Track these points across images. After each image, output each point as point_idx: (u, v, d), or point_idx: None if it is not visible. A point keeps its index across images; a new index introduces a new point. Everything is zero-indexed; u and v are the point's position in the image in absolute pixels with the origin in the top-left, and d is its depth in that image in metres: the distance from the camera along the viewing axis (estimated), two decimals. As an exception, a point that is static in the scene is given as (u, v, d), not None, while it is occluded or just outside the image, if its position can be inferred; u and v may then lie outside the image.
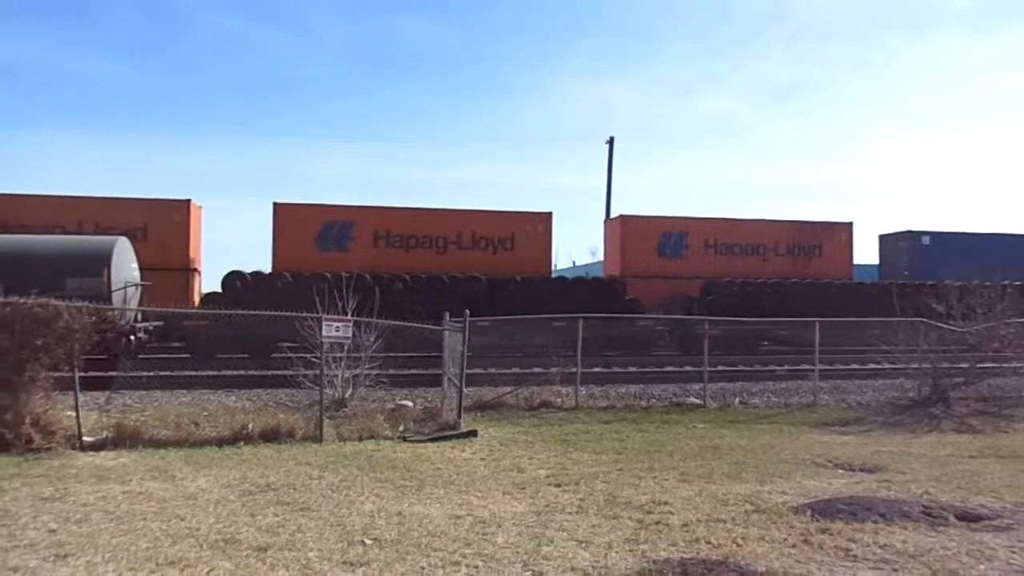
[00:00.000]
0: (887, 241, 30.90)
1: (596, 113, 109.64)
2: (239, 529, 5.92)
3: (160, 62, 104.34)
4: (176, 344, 22.26)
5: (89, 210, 24.56)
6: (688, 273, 26.72)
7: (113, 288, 19.46)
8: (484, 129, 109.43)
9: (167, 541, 5.51)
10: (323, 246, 24.92)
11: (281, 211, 24.84)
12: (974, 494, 7.79)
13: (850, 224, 29.35)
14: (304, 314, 13.15)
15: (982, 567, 5.34)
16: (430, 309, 18.24)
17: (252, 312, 15.12)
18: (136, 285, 21.32)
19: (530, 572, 5.02)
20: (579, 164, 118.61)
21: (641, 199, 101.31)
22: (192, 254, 25.54)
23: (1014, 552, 5.69)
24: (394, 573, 4.95)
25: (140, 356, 19.12)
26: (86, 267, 19.10)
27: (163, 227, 24.60)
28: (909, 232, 30.12)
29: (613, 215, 29.85)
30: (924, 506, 7.18)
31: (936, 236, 29.95)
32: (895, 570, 5.24)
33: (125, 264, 20.87)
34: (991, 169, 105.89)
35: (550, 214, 26.53)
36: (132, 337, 18.83)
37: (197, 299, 25.09)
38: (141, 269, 22.96)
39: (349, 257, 24.45)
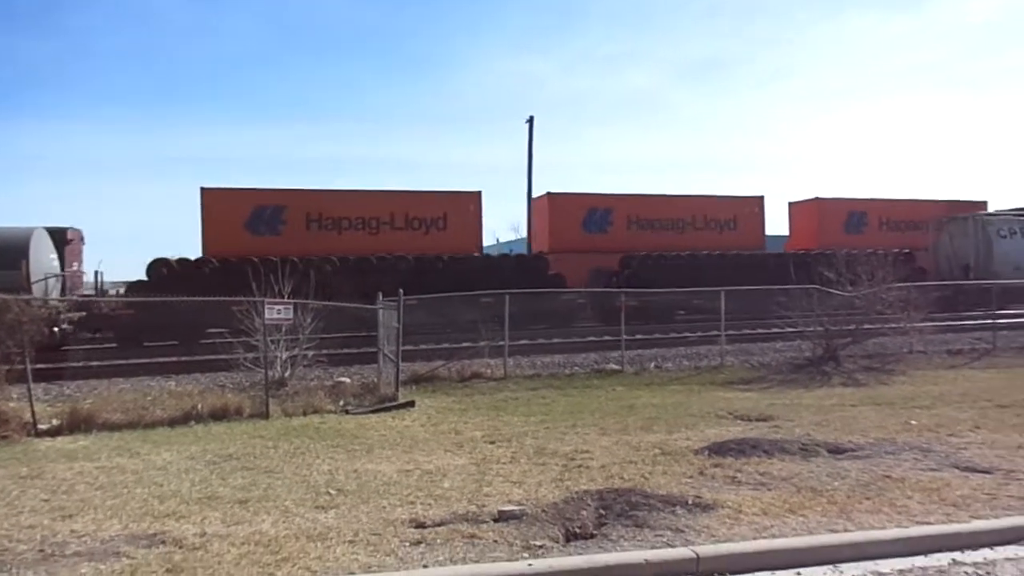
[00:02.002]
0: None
1: (522, 88, 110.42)
2: (216, 489, 6.73)
3: (53, 32, 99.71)
4: (97, 335, 22.10)
5: (398, 203, 26.33)
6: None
7: (33, 280, 19.43)
8: (408, 105, 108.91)
9: (155, 501, 6.30)
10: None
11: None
12: (846, 434, 9.15)
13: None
14: (245, 298, 13.77)
15: (836, 483, 6.63)
16: (359, 289, 18.91)
17: (192, 299, 15.64)
18: (56, 276, 21.26)
19: (474, 506, 6.02)
20: (503, 140, 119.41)
21: (567, 174, 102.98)
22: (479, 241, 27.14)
23: (864, 472, 7.02)
24: (360, 512, 5.88)
25: (64, 348, 19.23)
26: (2, 260, 19.01)
27: (460, 216, 26.42)
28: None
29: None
30: (802, 444, 8.49)
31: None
32: (769, 489, 6.47)
33: (43, 256, 20.77)
34: (886, 139, 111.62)
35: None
36: (56, 328, 18.84)
37: None
38: (441, 256, 24.68)
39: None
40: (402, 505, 6.08)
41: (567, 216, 28.48)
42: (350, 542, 5.10)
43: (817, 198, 32.15)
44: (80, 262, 23.97)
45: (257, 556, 4.82)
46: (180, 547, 5.00)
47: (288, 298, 13.83)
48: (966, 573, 4.81)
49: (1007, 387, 13.23)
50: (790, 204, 33.55)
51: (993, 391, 12.70)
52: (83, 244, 24.29)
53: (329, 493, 6.53)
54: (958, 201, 33.26)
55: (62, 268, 21.29)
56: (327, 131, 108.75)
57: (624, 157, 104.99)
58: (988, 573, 4.81)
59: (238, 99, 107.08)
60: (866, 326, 17.50)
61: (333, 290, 19.48)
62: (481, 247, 27.72)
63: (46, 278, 20.24)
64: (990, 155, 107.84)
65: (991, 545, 5.29)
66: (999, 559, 5.05)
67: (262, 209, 25.07)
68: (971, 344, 19.06)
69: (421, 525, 5.52)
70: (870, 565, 4.91)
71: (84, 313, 20.55)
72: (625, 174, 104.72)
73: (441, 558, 4.81)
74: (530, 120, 36.59)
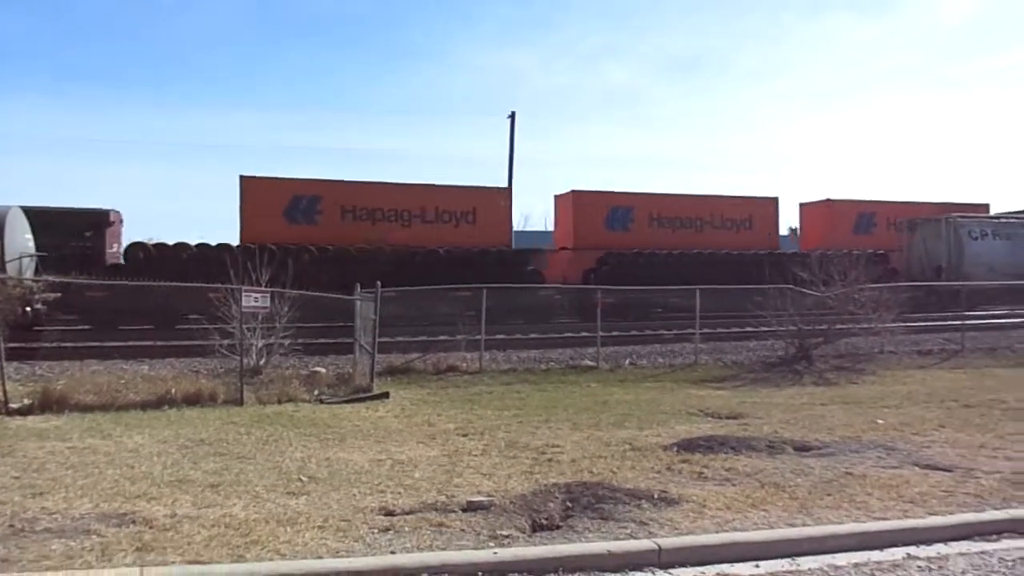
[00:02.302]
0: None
1: (505, 82, 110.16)
2: (187, 473, 6.77)
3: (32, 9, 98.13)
4: (72, 316, 21.94)
5: (430, 196, 26.80)
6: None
7: (7, 259, 19.26)
8: (388, 96, 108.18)
9: (126, 482, 6.32)
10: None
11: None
12: (813, 432, 9.34)
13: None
14: (222, 285, 13.74)
15: (799, 480, 6.79)
16: (337, 280, 18.91)
17: (168, 284, 15.59)
18: (31, 256, 21.08)
19: (444, 496, 6.10)
20: (485, 132, 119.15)
21: (549, 170, 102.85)
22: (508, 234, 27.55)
23: (827, 469, 7.20)
24: (331, 499, 5.95)
25: (36, 328, 19.07)
26: (-26, 239, 18.82)
27: (489, 211, 27.08)
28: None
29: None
30: (769, 441, 8.66)
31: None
32: (733, 484, 6.61)
33: (18, 235, 20.57)
34: (875, 139, 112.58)
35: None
36: (29, 308, 18.67)
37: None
38: (472, 248, 25.19)
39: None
40: (372, 493, 6.15)
41: (591, 213, 28.83)
42: (319, 527, 5.17)
43: (828, 200, 32.69)
44: (120, 244, 24.61)
45: (227, 538, 4.87)
46: (151, 527, 5.05)
47: (266, 286, 13.81)
48: (919, 567, 4.96)
49: (974, 387, 13.51)
50: (801, 205, 34.21)
51: (960, 391, 12.96)
52: (122, 226, 24.89)
53: (300, 480, 6.59)
54: (964, 204, 33.67)
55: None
56: (304, 119, 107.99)
57: (605, 153, 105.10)
58: (940, 567, 4.96)
59: (216, 83, 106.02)
60: (838, 326, 17.77)
61: (310, 279, 19.42)
62: (510, 241, 28.00)
63: (20, 257, 20.06)
64: (986, 157, 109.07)
65: (945, 540, 5.46)
66: (952, 554, 5.21)
67: (299, 199, 25.55)
68: (941, 345, 19.39)
69: (390, 513, 5.59)
70: (827, 559, 5.05)
71: (59, 294, 20.38)
72: (606, 168, 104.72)
73: (408, 545, 4.89)
74: (512, 115, 36.78)
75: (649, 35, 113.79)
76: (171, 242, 24.27)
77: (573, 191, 29.58)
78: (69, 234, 22.01)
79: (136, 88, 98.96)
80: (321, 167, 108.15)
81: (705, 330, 18.54)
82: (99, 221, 23.27)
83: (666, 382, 14.73)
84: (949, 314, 22.43)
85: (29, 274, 19.65)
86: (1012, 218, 31.73)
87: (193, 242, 24.28)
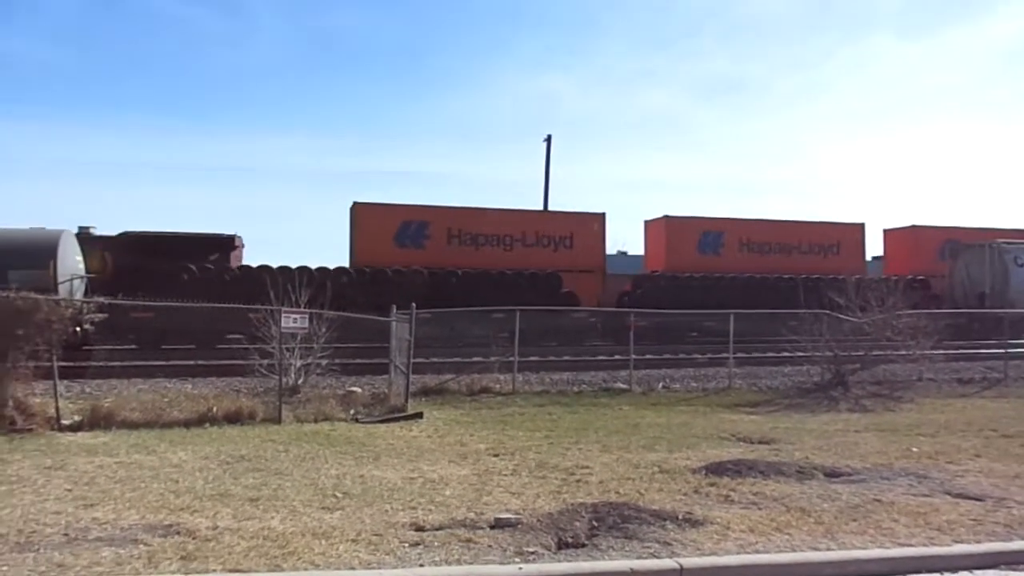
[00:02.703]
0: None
1: (541, 106, 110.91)
2: (228, 487, 7.05)
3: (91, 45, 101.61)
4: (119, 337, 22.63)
5: (529, 221, 28.31)
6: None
7: (59, 280, 19.99)
8: (426, 122, 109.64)
9: (171, 496, 6.63)
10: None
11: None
12: (845, 458, 9.31)
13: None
14: (262, 307, 14.15)
15: (826, 505, 6.83)
16: (373, 301, 19.29)
17: (210, 306, 16.07)
18: (81, 277, 21.84)
19: (473, 513, 6.28)
20: (521, 156, 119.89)
21: (585, 194, 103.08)
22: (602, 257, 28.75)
23: (855, 495, 7.21)
24: (364, 514, 6.17)
25: (85, 347, 19.72)
26: (31, 260, 19.59)
27: (584, 236, 28.12)
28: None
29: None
30: (799, 467, 8.68)
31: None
32: (759, 508, 6.68)
33: (70, 257, 21.37)
34: (925, 163, 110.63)
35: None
36: (79, 328, 19.34)
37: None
38: (568, 271, 26.25)
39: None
40: (404, 509, 6.37)
41: (683, 238, 29.41)
42: (353, 541, 5.39)
43: (913, 226, 32.79)
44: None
45: (265, 549, 5.12)
46: (194, 537, 5.32)
47: (305, 307, 14.19)
48: (941, 594, 5.01)
49: (1015, 417, 13.26)
50: (885, 231, 34.33)
51: (1000, 420, 12.75)
52: (243, 248, 26.26)
53: (335, 496, 6.82)
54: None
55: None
56: (344, 145, 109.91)
57: (643, 176, 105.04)
58: (963, 594, 5.00)
59: (255, 110, 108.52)
60: (875, 352, 17.60)
61: (348, 300, 19.84)
62: (604, 264, 28.83)
63: (72, 279, 20.81)
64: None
65: (970, 569, 5.47)
66: (976, 582, 5.24)
67: (408, 224, 26.76)
68: (982, 373, 19.05)
69: (421, 528, 5.79)
70: (849, 583, 5.12)
71: (106, 315, 21.08)
72: (644, 192, 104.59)
73: (437, 559, 5.08)
74: (548, 139, 37.13)
75: (688, 59, 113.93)
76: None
77: (665, 216, 30.09)
78: (196, 256, 23.38)
79: (180, 116, 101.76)
80: (359, 190, 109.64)
81: (740, 355, 18.48)
82: (224, 244, 24.66)
83: (699, 406, 14.73)
84: (992, 342, 22.04)
85: (79, 295, 20.33)
86: None
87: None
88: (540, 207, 35.32)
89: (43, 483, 7.04)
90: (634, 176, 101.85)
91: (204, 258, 23.73)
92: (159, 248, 22.93)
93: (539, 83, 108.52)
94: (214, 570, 4.68)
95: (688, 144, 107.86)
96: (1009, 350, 20.08)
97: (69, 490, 6.77)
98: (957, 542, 5.86)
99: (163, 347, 20.80)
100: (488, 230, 27.36)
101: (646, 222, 31.36)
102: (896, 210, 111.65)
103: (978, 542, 5.88)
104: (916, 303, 19.04)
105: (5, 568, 4.63)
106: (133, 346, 21.46)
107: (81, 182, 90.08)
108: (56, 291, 18.63)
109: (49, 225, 22.04)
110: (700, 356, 20.29)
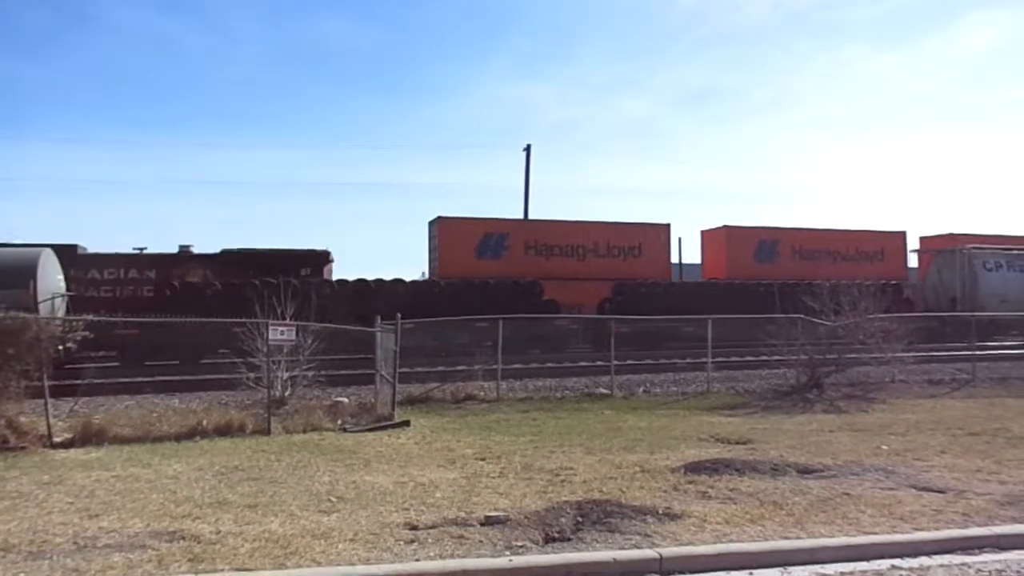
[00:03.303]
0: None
1: (519, 114, 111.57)
2: (226, 496, 7.31)
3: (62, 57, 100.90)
4: (101, 353, 22.65)
5: (600, 232, 29.59)
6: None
7: (40, 299, 20.02)
8: (404, 130, 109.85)
9: (171, 505, 6.88)
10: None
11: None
12: (818, 456, 9.70)
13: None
14: (247, 320, 14.34)
15: (797, 498, 7.22)
16: (356, 312, 19.52)
17: (195, 320, 16.22)
18: (62, 296, 21.89)
19: (463, 512, 6.61)
20: (499, 164, 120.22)
21: (567, 200, 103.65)
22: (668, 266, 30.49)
23: (825, 490, 7.61)
24: (359, 516, 6.48)
25: (68, 366, 19.76)
26: (12, 279, 19.62)
27: (652, 246, 29.77)
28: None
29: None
30: (774, 464, 9.06)
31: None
32: (735, 503, 7.05)
33: (51, 276, 21.43)
34: (899, 170, 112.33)
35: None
36: (61, 347, 19.34)
37: None
38: (636, 280, 27.28)
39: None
40: (397, 511, 6.67)
41: (741, 247, 30.71)
42: (350, 540, 5.69)
43: (951, 234, 33.68)
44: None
45: (268, 550, 5.41)
46: (199, 542, 5.59)
47: (290, 320, 14.39)
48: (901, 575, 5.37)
49: (982, 416, 13.72)
50: (921, 239, 35.23)
51: (967, 420, 13.20)
52: (333, 263, 27.38)
53: (330, 500, 7.11)
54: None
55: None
56: (325, 156, 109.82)
57: (622, 183, 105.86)
58: (921, 576, 5.38)
59: (238, 123, 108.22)
60: (850, 355, 18.07)
61: (330, 311, 20.02)
62: (670, 273, 30.13)
63: (52, 297, 20.86)
64: (1000, 186, 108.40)
65: (929, 554, 5.85)
66: (933, 565, 5.62)
67: (489, 236, 28.23)
68: (952, 375, 19.58)
69: (414, 527, 6.10)
70: (817, 568, 5.48)
71: (90, 333, 21.11)
72: (623, 200, 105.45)
73: (432, 554, 5.40)
74: (527, 148, 37.58)
75: (664, 68, 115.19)
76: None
77: (725, 226, 31.18)
78: (291, 271, 23.96)
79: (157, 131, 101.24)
80: (337, 201, 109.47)
81: (718, 359, 18.90)
82: (320, 259, 26.00)
83: (678, 409, 15.09)
84: (961, 344, 22.66)
85: (60, 313, 20.37)
86: None
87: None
88: (522, 215, 35.76)
89: (44, 497, 7.25)
90: (612, 183, 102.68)
91: (299, 272, 24.43)
92: (258, 264, 23.94)
93: (518, 90, 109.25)
94: (222, 569, 4.96)
95: (663, 150, 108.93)
96: (977, 352, 20.69)
97: (71, 503, 6.99)
98: (918, 530, 6.25)
99: (147, 363, 20.83)
100: (562, 241, 28.97)
101: (703, 232, 32.54)
102: (870, 216, 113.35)
103: (937, 529, 6.28)
104: (888, 307, 19.56)
105: (23, 575, 4.88)
106: (115, 364, 21.49)
107: (59, 198, 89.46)
108: (37, 310, 18.66)
109: (45, 241, 22.35)
110: (680, 361, 20.67)
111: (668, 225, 30.23)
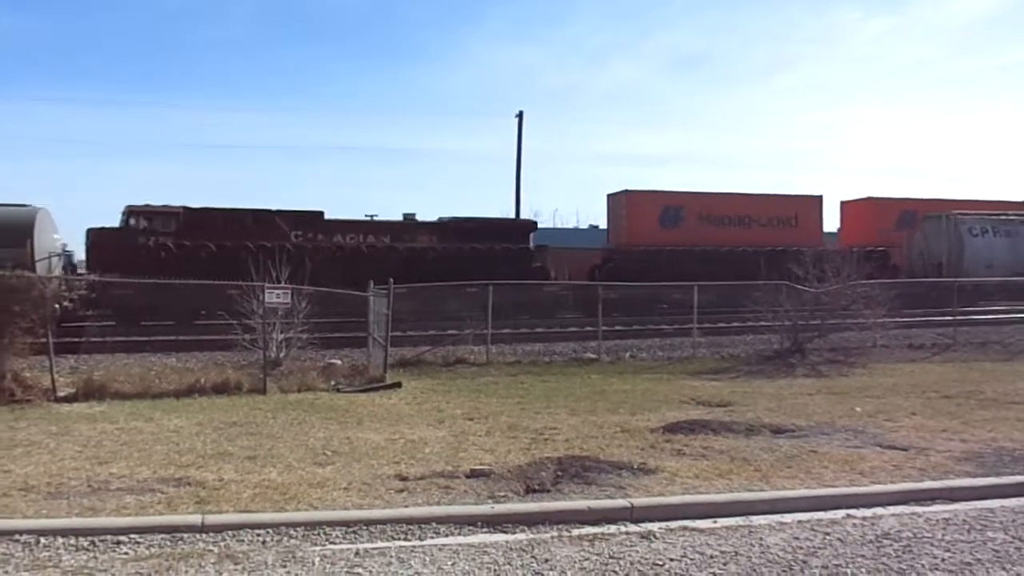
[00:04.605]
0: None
1: (514, 79, 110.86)
2: (226, 448, 7.73)
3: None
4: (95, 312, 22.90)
5: (763, 204, 31.71)
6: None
7: (37, 258, 20.29)
8: (396, 94, 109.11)
9: (175, 455, 7.30)
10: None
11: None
12: (792, 418, 10.14)
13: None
14: (243, 283, 14.64)
15: (766, 456, 7.66)
16: (349, 277, 19.81)
17: (193, 282, 16.53)
18: (59, 255, 22.17)
19: (450, 466, 7.03)
20: (493, 129, 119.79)
21: (560, 166, 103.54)
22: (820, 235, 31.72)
23: (794, 448, 8.06)
24: (353, 468, 6.90)
25: (64, 324, 20.06)
26: (8, 238, 19.86)
27: (806, 216, 31.70)
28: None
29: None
30: (749, 425, 9.49)
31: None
32: (707, 459, 7.49)
33: (47, 235, 21.68)
34: (893, 135, 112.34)
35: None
36: (58, 305, 19.63)
37: None
38: (792, 248, 26.66)
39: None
40: (388, 464, 7.10)
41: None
42: (344, 489, 6.11)
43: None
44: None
45: (268, 495, 5.84)
46: (203, 487, 6.02)
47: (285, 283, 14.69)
48: (854, 524, 5.79)
49: (958, 379, 14.13)
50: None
51: (944, 383, 13.61)
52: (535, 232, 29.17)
53: (325, 454, 7.53)
54: (999, 201, 34.90)
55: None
56: (314, 119, 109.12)
57: (614, 149, 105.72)
58: (872, 524, 5.79)
59: (229, 85, 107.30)
60: (832, 321, 18.49)
61: (321, 276, 20.28)
62: (822, 242, 30.00)
63: (49, 256, 21.13)
64: (992, 151, 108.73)
65: (884, 505, 6.28)
66: (886, 515, 6.04)
67: (668, 208, 30.30)
68: (933, 340, 20.03)
69: (404, 478, 6.53)
70: (776, 517, 5.89)
71: (87, 291, 21.38)
72: (617, 166, 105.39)
73: (420, 502, 5.84)
74: (519, 115, 37.63)
75: (657, 32, 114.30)
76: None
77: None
78: (503, 239, 26.42)
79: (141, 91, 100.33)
80: (329, 167, 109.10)
81: (705, 325, 19.32)
82: (528, 228, 28.31)
83: (663, 374, 15.51)
84: (943, 310, 23.12)
85: (57, 272, 20.65)
86: (1013, 215, 32.21)
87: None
88: (514, 184, 36.01)
89: (55, 446, 7.66)
90: (607, 149, 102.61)
91: (509, 241, 26.52)
92: (474, 232, 26.04)
93: (512, 56, 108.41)
94: (227, 511, 5.38)
95: (655, 116, 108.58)
96: (958, 317, 21.17)
97: (80, 451, 7.39)
98: (875, 483, 6.70)
99: (143, 323, 21.14)
100: (731, 212, 30.93)
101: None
102: (862, 182, 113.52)
103: (893, 483, 6.72)
104: (871, 273, 19.93)
105: (45, 512, 5.29)
106: (111, 323, 21.79)
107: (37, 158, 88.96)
108: (34, 268, 18.94)
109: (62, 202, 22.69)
110: (667, 327, 21.10)
111: (820, 197, 32.34)
